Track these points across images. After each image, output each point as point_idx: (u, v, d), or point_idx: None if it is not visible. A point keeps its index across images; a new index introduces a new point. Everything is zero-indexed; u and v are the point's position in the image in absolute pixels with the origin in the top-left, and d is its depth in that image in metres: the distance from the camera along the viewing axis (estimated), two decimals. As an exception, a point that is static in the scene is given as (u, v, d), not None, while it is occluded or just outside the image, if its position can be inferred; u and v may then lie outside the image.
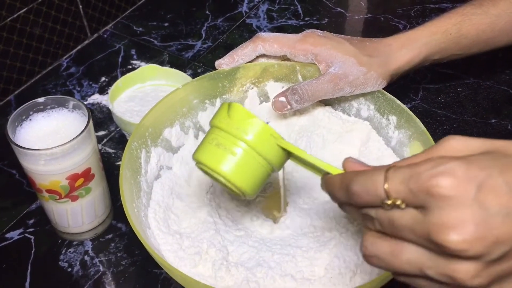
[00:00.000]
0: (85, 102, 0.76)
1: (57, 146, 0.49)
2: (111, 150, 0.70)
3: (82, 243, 0.59)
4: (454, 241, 0.30)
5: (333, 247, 0.51)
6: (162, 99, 0.58)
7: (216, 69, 0.62)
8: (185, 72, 0.74)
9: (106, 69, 0.81)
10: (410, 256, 0.32)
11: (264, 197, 0.59)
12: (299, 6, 0.93)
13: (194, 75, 0.79)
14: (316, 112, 0.63)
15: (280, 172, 0.51)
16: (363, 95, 0.61)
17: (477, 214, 0.30)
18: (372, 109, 0.61)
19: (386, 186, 0.32)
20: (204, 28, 0.89)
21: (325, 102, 0.64)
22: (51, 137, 0.53)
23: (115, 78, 0.79)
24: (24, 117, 0.53)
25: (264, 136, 0.43)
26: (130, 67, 0.82)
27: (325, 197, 0.57)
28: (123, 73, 0.79)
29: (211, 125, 0.45)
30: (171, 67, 0.74)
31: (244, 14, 0.92)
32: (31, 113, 0.53)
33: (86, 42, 0.86)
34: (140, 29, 0.89)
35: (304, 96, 0.57)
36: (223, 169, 0.43)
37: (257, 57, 0.62)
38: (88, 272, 0.57)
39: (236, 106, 0.43)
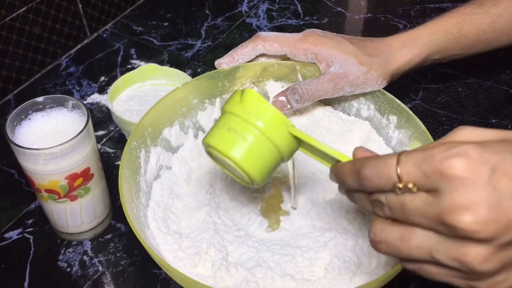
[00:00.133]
0: (85, 102, 0.76)
1: (56, 145, 0.49)
2: (110, 150, 0.70)
3: (81, 243, 0.59)
4: (467, 222, 0.30)
5: (333, 248, 0.51)
6: (162, 99, 0.58)
7: (216, 69, 0.62)
8: (184, 71, 0.74)
9: (105, 68, 0.81)
10: (419, 241, 0.32)
11: (263, 198, 0.58)
12: (299, 6, 0.93)
13: (193, 75, 0.79)
14: (316, 112, 0.63)
15: (290, 164, 0.51)
16: (363, 94, 0.61)
17: (491, 196, 0.30)
18: (372, 109, 0.60)
19: (398, 169, 0.32)
20: (204, 27, 0.89)
21: (325, 102, 0.64)
22: (50, 136, 0.52)
23: (114, 78, 0.78)
24: (23, 116, 0.53)
25: (276, 123, 0.43)
26: (130, 66, 0.82)
27: (325, 197, 0.57)
28: (122, 73, 0.79)
29: (223, 111, 0.45)
30: (171, 66, 0.74)
31: (244, 14, 0.91)
32: (30, 112, 0.53)
33: (86, 41, 0.86)
34: (140, 28, 0.89)
35: (304, 96, 0.57)
36: (234, 153, 0.43)
37: (257, 56, 0.62)
38: (87, 272, 0.57)
39: (249, 92, 0.43)
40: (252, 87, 0.63)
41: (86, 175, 0.53)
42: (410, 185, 0.32)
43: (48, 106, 0.54)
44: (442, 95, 0.75)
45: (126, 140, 0.56)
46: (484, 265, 0.31)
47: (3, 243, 0.59)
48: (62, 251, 0.59)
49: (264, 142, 0.43)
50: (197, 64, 0.82)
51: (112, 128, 0.72)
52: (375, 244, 0.35)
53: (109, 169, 0.64)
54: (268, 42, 0.60)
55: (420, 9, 0.91)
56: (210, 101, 0.62)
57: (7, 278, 0.57)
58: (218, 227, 0.54)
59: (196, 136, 0.62)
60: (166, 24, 0.89)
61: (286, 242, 0.53)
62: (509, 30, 0.64)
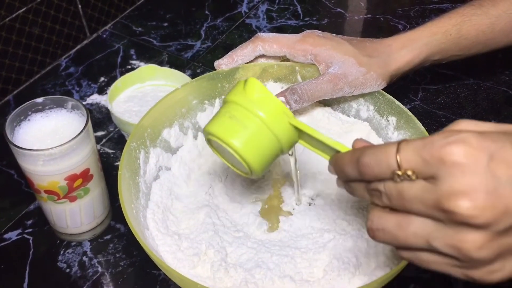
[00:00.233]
0: (84, 102, 0.76)
1: (56, 146, 0.49)
2: (110, 151, 0.70)
3: (80, 244, 0.59)
4: (465, 207, 0.30)
5: (332, 249, 0.51)
6: (161, 100, 0.58)
7: (215, 70, 0.62)
8: (184, 72, 0.74)
9: (105, 69, 0.81)
10: (416, 228, 0.33)
11: (263, 199, 0.58)
12: (298, 7, 0.93)
13: (193, 75, 0.79)
14: (315, 113, 0.63)
15: (292, 160, 0.51)
16: (362, 95, 0.61)
17: (489, 182, 0.30)
18: (372, 110, 0.60)
19: (398, 156, 0.33)
20: (204, 28, 0.89)
21: (325, 103, 0.64)
22: (50, 137, 0.52)
23: (114, 78, 0.78)
24: (22, 117, 0.53)
25: (277, 112, 0.43)
26: (129, 67, 0.82)
27: (325, 198, 0.57)
28: (122, 73, 0.79)
29: (225, 100, 0.46)
30: (171, 67, 0.74)
31: (243, 14, 0.91)
32: (29, 113, 0.53)
33: (85, 42, 0.86)
34: (140, 29, 0.89)
35: (303, 96, 0.57)
36: (234, 141, 0.43)
37: (257, 57, 0.62)
38: (87, 273, 0.57)
39: (252, 81, 0.44)
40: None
41: (85, 176, 0.53)
42: (409, 172, 0.32)
43: (47, 107, 0.54)
44: (442, 96, 0.75)
45: (126, 140, 0.56)
46: (480, 252, 0.31)
47: (2, 244, 0.59)
48: (62, 252, 0.59)
49: (265, 131, 0.43)
50: (197, 64, 0.82)
51: (112, 129, 0.72)
52: (373, 232, 0.35)
53: (109, 169, 0.64)
54: (268, 43, 0.60)
55: (420, 10, 0.91)
56: (210, 102, 0.62)
57: (6, 279, 0.57)
58: (217, 228, 0.54)
59: (195, 137, 0.62)
60: (165, 24, 0.89)
61: (285, 243, 0.53)
62: (508, 31, 0.64)
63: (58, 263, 0.58)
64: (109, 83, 0.79)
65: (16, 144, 0.50)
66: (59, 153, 0.50)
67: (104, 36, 0.87)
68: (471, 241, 0.31)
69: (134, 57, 0.83)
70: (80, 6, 0.82)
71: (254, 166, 0.44)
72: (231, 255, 0.52)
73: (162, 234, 0.52)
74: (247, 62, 0.62)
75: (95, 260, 0.58)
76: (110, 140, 0.71)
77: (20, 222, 0.61)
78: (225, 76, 0.61)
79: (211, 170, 0.60)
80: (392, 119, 0.58)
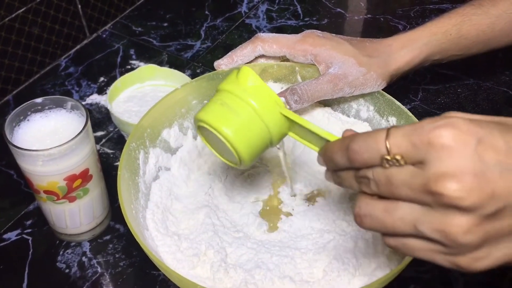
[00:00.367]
0: (84, 102, 0.76)
1: (55, 147, 0.49)
2: (109, 151, 0.69)
3: (80, 244, 0.59)
4: (452, 189, 0.30)
5: (332, 249, 0.51)
6: (161, 100, 0.58)
7: (215, 70, 0.62)
8: (184, 72, 0.74)
9: (105, 69, 0.81)
10: (404, 213, 0.33)
11: (262, 199, 0.58)
12: (298, 7, 0.92)
13: (193, 76, 0.79)
14: (316, 113, 0.63)
15: (281, 154, 0.52)
16: (362, 96, 0.60)
17: (476, 165, 0.30)
18: (372, 110, 0.60)
19: (387, 141, 0.33)
20: (204, 28, 0.88)
21: (325, 103, 0.63)
22: (49, 137, 0.52)
23: (114, 78, 0.78)
24: (22, 117, 0.53)
25: (269, 102, 0.43)
26: (129, 67, 0.82)
27: (325, 198, 0.57)
28: (122, 73, 0.79)
29: (217, 89, 0.45)
30: (170, 67, 0.74)
31: (243, 15, 0.91)
32: (29, 113, 0.53)
33: (85, 42, 0.86)
34: (139, 29, 0.89)
35: (303, 96, 0.57)
36: (225, 128, 0.43)
37: (257, 57, 0.62)
38: (86, 273, 0.56)
39: (245, 69, 0.44)
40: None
41: (85, 176, 0.53)
42: (398, 157, 0.32)
43: (47, 107, 0.54)
44: (442, 96, 0.75)
45: (125, 141, 0.56)
46: (466, 236, 0.31)
47: (1, 244, 0.59)
48: (61, 252, 0.58)
49: (256, 120, 0.43)
50: (197, 64, 0.82)
51: (111, 129, 0.72)
52: (360, 218, 0.35)
53: (108, 169, 0.64)
54: (267, 43, 0.60)
55: (420, 10, 0.91)
56: (209, 102, 0.62)
57: (5, 279, 0.56)
58: (217, 228, 0.54)
59: (195, 137, 0.62)
60: (165, 24, 0.89)
61: (285, 243, 0.53)
62: (508, 30, 0.64)
63: (57, 264, 0.57)
64: (108, 83, 0.78)
65: (16, 144, 0.49)
66: (59, 153, 0.49)
67: (104, 36, 0.87)
68: (458, 225, 0.31)
69: (133, 57, 0.83)
70: (79, 6, 0.81)
71: (243, 155, 0.44)
72: (231, 256, 0.51)
73: (162, 235, 0.52)
74: (247, 63, 0.62)
75: (94, 261, 0.58)
76: (110, 140, 0.71)
77: (20, 222, 0.61)
78: (225, 77, 0.61)
79: (210, 171, 0.60)
80: (392, 120, 0.58)
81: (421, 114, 0.71)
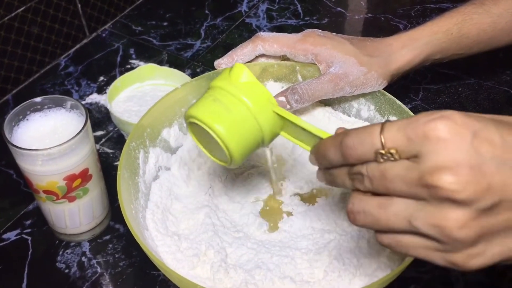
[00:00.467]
0: (83, 102, 0.76)
1: (55, 146, 0.49)
2: (109, 150, 0.69)
3: (79, 244, 0.59)
4: (448, 181, 0.30)
5: (332, 249, 0.51)
6: (161, 99, 0.58)
7: (215, 69, 0.62)
8: (184, 71, 0.74)
9: (104, 68, 0.81)
10: (398, 208, 0.32)
11: (263, 199, 0.58)
12: (299, 6, 0.92)
13: (193, 75, 0.78)
14: (316, 113, 0.63)
15: (268, 152, 0.51)
16: (363, 95, 0.60)
17: (472, 158, 0.30)
18: (373, 110, 0.60)
19: (382, 135, 0.32)
20: (204, 27, 0.88)
21: (325, 103, 0.63)
22: (48, 137, 0.52)
23: (113, 78, 0.78)
24: (21, 117, 0.53)
25: (261, 99, 0.42)
26: (129, 66, 0.81)
27: (326, 198, 0.57)
28: (121, 73, 0.78)
29: (209, 86, 0.45)
30: (170, 66, 0.74)
31: (243, 14, 0.91)
32: (28, 113, 0.53)
33: (85, 41, 0.85)
34: (139, 28, 0.88)
35: (304, 96, 0.57)
36: (217, 124, 0.42)
37: (257, 57, 0.62)
38: (86, 274, 0.56)
39: (238, 66, 0.43)
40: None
41: (84, 176, 0.53)
42: (393, 151, 0.32)
43: (46, 107, 0.54)
44: (443, 95, 0.74)
45: (125, 140, 0.56)
46: (462, 231, 0.31)
47: (1, 244, 0.59)
48: (61, 252, 0.58)
49: (248, 117, 0.42)
50: (197, 64, 0.82)
51: (111, 129, 0.72)
52: (353, 215, 0.35)
53: (108, 169, 0.64)
54: (268, 42, 0.60)
55: (420, 9, 0.90)
56: (210, 101, 0.62)
57: (5, 279, 0.56)
58: (217, 228, 0.54)
59: (195, 137, 0.62)
60: (165, 24, 0.89)
61: (285, 243, 0.53)
62: (510, 29, 0.64)
63: (57, 264, 0.57)
64: (108, 83, 0.78)
65: (15, 144, 0.49)
66: (58, 153, 0.49)
67: (104, 35, 0.87)
68: (453, 219, 0.30)
69: (133, 56, 0.83)
70: (79, 5, 0.81)
71: (234, 153, 0.43)
72: (231, 256, 0.51)
73: (162, 235, 0.52)
74: (247, 62, 0.62)
75: (94, 261, 0.57)
76: (110, 139, 0.71)
77: (19, 222, 0.61)
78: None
79: (210, 170, 0.60)
80: (393, 119, 0.58)
81: (420, 113, 0.71)
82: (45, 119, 0.53)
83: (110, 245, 0.59)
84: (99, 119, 0.73)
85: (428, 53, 0.61)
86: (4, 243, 0.59)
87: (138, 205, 0.52)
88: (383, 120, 0.59)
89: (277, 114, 0.43)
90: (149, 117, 0.56)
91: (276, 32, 0.64)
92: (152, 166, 0.56)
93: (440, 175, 0.30)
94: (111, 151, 0.69)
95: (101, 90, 0.78)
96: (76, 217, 0.56)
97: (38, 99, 0.53)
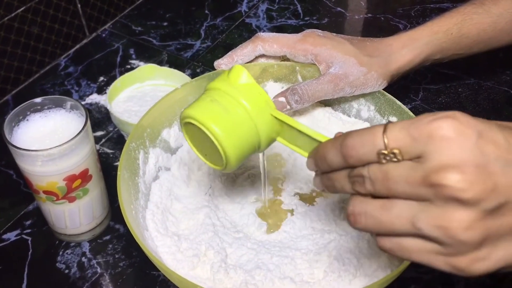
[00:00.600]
0: (83, 102, 0.76)
1: (55, 147, 0.49)
2: (109, 151, 0.69)
3: (79, 245, 0.59)
4: (454, 179, 0.29)
5: (332, 250, 0.51)
6: (161, 100, 0.58)
7: (215, 69, 0.61)
8: (184, 72, 0.74)
9: (104, 68, 0.81)
10: (401, 209, 0.32)
11: (263, 200, 0.58)
12: (298, 6, 0.92)
13: (193, 75, 0.78)
14: (316, 113, 0.63)
15: (261, 156, 0.51)
16: (363, 95, 0.60)
17: (478, 158, 0.30)
18: (373, 110, 0.60)
19: (385, 136, 0.32)
20: (203, 27, 0.88)
21: (325, 103, 0.63)
22: (48, 137, 0.52)
23: (113, 78, 0.78)
24: (21, 117, 0.53)
25: (260, 101, 0.42)
26: (129, 66, 0.81)
27: (325, 198, 0.57)
28: (121, 73, 0.78)
29: (206, 88, 0.44)
30: (170, 66, 0.74)
31: (243, 14, 0.91)
32: (28, 113, 0.53)
33: (85, 41, 0.85)
34: (139, 28, 0.88)
35: (304, 96, 0.56)
36: (214, 125, 0.41)
37: (257, 57, 0.62)
38: (86, 274, 0.56)
39: (237, 67, 0.43)
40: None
41: (84, 176, 0.53)
42: (396, 151, 0.31)
43: (46, 107, 0.54)
44: (442, 95, 0.74)
45: (125, 140, 0.56)
46: (467, 232, 0.30)
47: (1, 244, 0.59)
48: (61, 253, 0.58)
49: (246, 119, 0.42)
50: (197, 64, 0.82)
51: (111, 129, 0.72)
52: (354, 217, 0.34)
53: (108, 169, 0.64)
54: (268, 42, 0.60)
55: (420, 9, 0.90)
56: (209, 101, 0.62)
57: (5, 279, 0.56)
58: (217, 228, 0.53)
59: (195, 137, 0.62)
60: (165, 24, 0.89)
61: (285, 244, 0.53)
62: (509, 29, 0.64)
63: (57, 264, 0.57)
64: (108, 83, 0.78)
65: (15, 145, 0.49)
66: (58, 153, 0.49)
67: (104, 35, 0.87)
68: (459, 220, 0.30)
69: (133, 56, 0.83)
70: (79, 5, 0.81)
71: (230, 156, 0.42)
72: (231, 256, 0.51)
73: (162, 235, 0.52)
74: (247, 62, 0.62)
75: (94, 261, 0.57)
76: (110, 140, 0.71)
77: (19, 222, 0.61)
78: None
79: (210, 171, 0.60)
80: (393, 119, 0.58)
81: (422, 113, 0.71)
82: (45, 119, 0.53)
83: (110, 246, 0.59)
84: (99, 119, 0.73)
85: (428, 53, 0.61)
86: (4, 243, 0.59)
87: (138, 206, 0.52)
88: (383, 120, 0.59)
89: (275, 117, 0.42)
90: (149, 118, 0.56)
91: (276, 32, 0.64)
92: (152, 167, 0.56)
93: (446, 174, 0.30)
94: (111, 151, 0.69)
95: (101, 90, 0.78)
96: (76, 217, 0.56)
97: (38, 100, 0.53)
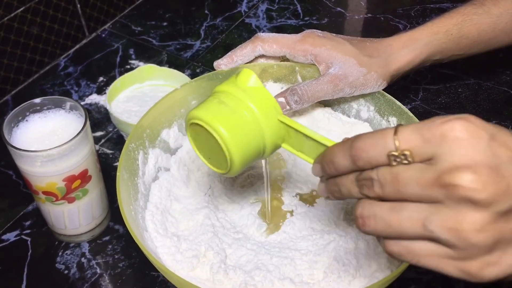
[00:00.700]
0: (83, 102, 0.76)
1: (54, 147, 0.49)
2: (108, 151, 0.69)
3: (79, 245, 0.59)
4: (468, 179, 0.29)
5: (332, 250, 0.51)
6: (160, 100, 0.58)
7: (215, 70, 0.61)
8: (183, 72, 0.74)
9: (104, 69, 0.81)
10: (412, 211, 0.31)
11: (263, 200, 0.58)
12: (298, 6, 0.92)
13: (192, 75, 0.78)
14: (316, 113, 0.63)
15: (263, 162, 0.51)
16: (363, 96, 0.60)
17: (490, 159, 0.30)
18: (372, 110, 0.60)
19: (395, 137, 0.32)
20: (203, 27, 0.88)
21: (325, 103, 0.63)
22: (48, 138, 0.52)
23: (113, 78, 0.78)
24: (20, 118, 0.53)
25: (267, 105, 0.42)
26: (129, 67, 0.81)
27: (325, 199, 0.57)
28: (121, 73, 0.78)
29: (214, 91, 0.44)
30: (170, 67, 0.74)
31: (243, 14, 0.91)
32: (27, 114, 0.53)
33: (84, 41, 0.85)
34: (139, 28, 0.88)
35: (303, 97, 0.56)
36: (221, 126, 0.41)
37: (256, 57, 0.62)
38: (85, 275, 0.56)
39: (246, 71, 0.42)
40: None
41: (84, 177, 0.53)
42: (407, 152, 0.31)
43: (45, 108, 0.54)
44: (442, 96, 0.74)
45: (125, 141, 0.56)
46: (479, 235, 0.30)
47: (0, 245, 0.59)
48: (60, 253, 0.58)
49: (253, 122, 0.41)
50: (196, 64, 0.82)
51: (111, 129, 0.72)
52: (363, 220, 0.33)
53: (107, 170, 0.64)
54: (267, 43, 0.60)
55: (420, 9, 0.90)
56: (209, 102, 0.62)
57: (4, 280, 0.56)
58: (216, 229, 0.53)
59: (194, 138, 0.62)
60: (165, 24, 0.89)
61: (285, 244, 0.53)
62: (509, 30, 0.63)
63: (56, 265, 0.57)
64: (108, 83, 0.78)
65: (14, 145, 0.49)
66: (57, 154, 0.49)
67: (103, 35, 0.87)
68: (471, 222, 0.30)
69: (133, 56, 0.83)
70: (79, 6, 0.81)
71: (235, 159, 0.41)
72: (230, 257, 0.51)
73: (161, 236, 0.52)
74: (247, 62, 0.62)
75: (93, 262, 0.57)
76: (109, 140, 0.71)
77: (18, 223, 0.61)
78: (224, 77, 0.61)
79: (210, 171, 0.60)
80: (393, 120, 0.58)
81: (422, 114, 0.71)
82: (44, 120, 0.53)
83: (110, 246, 0.59)
84: (99, 119, 0.73)
85: (428, 54, 0.61)
86: (4, 244, 0.59)
87: (138, 206, 0.52)
88: (383, 121, 0.59)
89: (282, 122, 0.42)
90: (149, 118, 0.56)
91: (275, 32, 0.64)
92: (151, 167, 0.56)
93: (459, 174, 0.29)
94: (111, 151, 0.69)
95: (100, 91, 0.78)
96: (75, 218, 0.56)
97: (37, 100, 0.53)
